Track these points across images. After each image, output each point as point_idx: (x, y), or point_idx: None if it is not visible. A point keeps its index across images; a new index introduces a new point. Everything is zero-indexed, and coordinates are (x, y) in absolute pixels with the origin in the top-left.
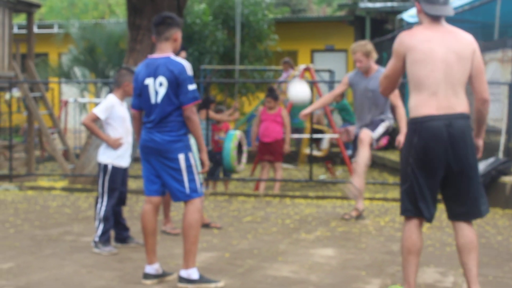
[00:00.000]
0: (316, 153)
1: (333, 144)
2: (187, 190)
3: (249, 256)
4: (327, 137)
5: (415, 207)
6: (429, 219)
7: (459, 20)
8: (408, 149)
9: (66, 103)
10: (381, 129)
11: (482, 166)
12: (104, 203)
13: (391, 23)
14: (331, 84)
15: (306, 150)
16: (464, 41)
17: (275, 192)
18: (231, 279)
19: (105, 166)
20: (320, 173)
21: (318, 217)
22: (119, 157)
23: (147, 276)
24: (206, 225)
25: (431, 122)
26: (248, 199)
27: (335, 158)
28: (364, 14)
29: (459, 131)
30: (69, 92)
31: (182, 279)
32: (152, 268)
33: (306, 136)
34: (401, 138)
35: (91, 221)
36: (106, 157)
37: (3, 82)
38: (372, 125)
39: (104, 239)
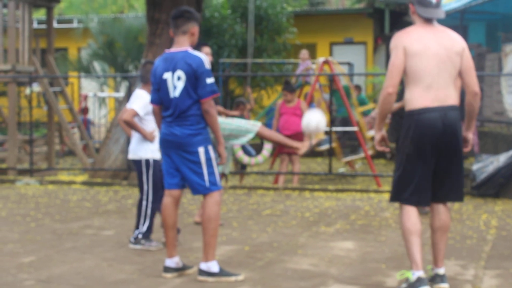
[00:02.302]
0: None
1: (352, 137)
2: (207, 183)
3: (268, 249)
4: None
5: (410, 195)
6: (425, 204)
7: (480, 11)
8: (405, 139)
9: (85, 97)
10: None
11: (503, 158)
12: (150, 198)
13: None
14: (350, 77)
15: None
16: (454, 39)
17: (294, 185)
18: (250, 272)
19: (147, 161)
20: (340, 166)
21: (337, 210)
22: (155, 150)
23: (167, 269)
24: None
25: (428, 114)
26: (268, 192)
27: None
28: (383, 7)
29: (452, 122)
30: (89, 86)
31: (202, 272)
32: (172, 262)
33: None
34: None
35: (111, 215)
36: (145, 151)
37: (23, 77)
38: None
39: (147, 235)
